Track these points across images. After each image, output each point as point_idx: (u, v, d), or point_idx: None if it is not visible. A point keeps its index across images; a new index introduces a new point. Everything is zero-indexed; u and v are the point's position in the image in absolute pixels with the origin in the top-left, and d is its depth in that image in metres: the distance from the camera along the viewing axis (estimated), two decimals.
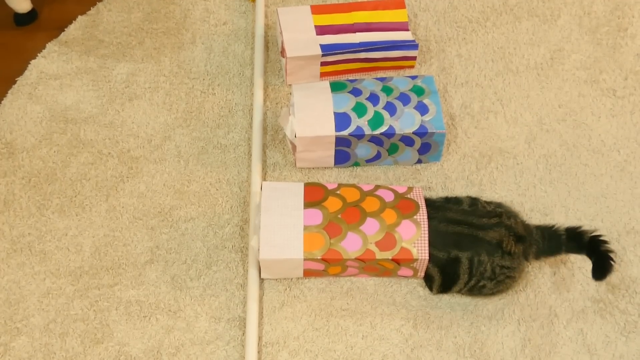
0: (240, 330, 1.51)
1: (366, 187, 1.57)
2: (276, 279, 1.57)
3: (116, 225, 1.65)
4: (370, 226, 1.50)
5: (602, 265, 1.44)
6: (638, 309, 1.52)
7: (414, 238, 1.48)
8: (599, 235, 1.46)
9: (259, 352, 1.48)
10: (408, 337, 1.50)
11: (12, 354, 1.50)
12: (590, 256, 1.46)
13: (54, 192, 1.70)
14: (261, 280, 1.57)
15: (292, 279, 1.57)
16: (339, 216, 1.50)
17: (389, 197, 1.54)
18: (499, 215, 1.48)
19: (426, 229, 1.49)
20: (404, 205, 1.52)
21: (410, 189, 1.55)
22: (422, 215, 1.50)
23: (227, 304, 1.55)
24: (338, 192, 1.55)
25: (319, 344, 1.50)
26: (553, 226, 1.50)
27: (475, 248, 1.45)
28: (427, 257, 1.48)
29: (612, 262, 1.43)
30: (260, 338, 1.50)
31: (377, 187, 1.57)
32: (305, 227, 1.49)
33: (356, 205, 1.52)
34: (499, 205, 1.52)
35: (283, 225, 1.50)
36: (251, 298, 1.52)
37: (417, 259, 1.48)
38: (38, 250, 1.62)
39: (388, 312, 1.53)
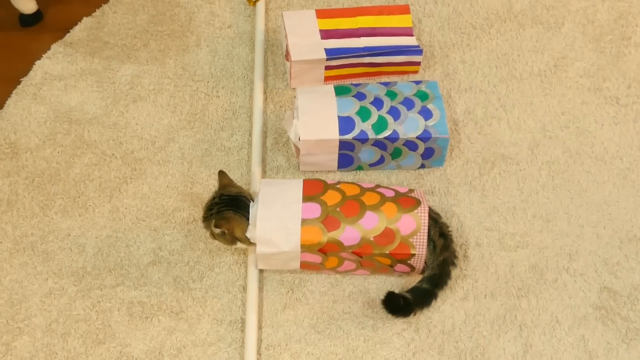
0: (242, 332, 1.51)
1: (367, 185, 1.57)
2: (278, 282, 1.57)
3: (119, 226, 1.66)
4: (370, 220, 1.49)
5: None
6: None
7: (413, 233, 1.48)
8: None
9: (260, 354, 1.49)
10: (410, 341, 1.50)
11: (13, 353, 1.49)
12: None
13: (57, 193, 1.70)
14: (262, 283, 1.57)
15: (294, 281, 1.57)
16: (338, 209, 1.49)
17: (389, 193, 1.54)
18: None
19: (426, 224, 1.48)
20: (404, 201, 1.51)
21: (411, 190, 1.55)
22: (424, 210, 1.50)
23: (229, 306, 1.55)
24: (338, 186, 1.54)
25: (321, 346, 1.49)
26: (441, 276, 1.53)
27: None
28: (425, 253, 1.48)
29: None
30: (261, 340, 1.50)
31: (378, 185, 1.57)
32: (303, 221, 1.48)
33: (356, 199, 1.51)
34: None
35: (280, 218, 1.49)
36: (251, 296, 1.53)
37: (414, 254, 1.48)
38: (41, 250, 1.62)
39: (390, 315, 1.52)
